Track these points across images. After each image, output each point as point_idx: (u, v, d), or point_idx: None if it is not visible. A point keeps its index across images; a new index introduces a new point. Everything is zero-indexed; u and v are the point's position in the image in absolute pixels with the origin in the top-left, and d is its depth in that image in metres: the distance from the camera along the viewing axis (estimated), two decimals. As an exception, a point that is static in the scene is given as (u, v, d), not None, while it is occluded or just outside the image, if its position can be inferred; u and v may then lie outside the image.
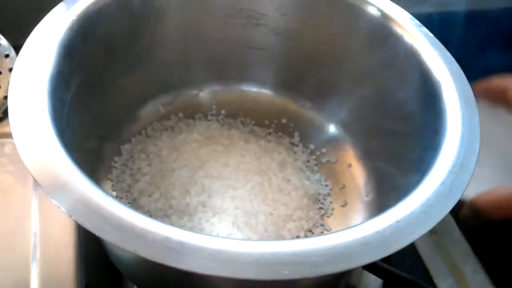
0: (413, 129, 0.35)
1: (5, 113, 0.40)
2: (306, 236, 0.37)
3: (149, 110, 0.43)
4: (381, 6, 0.37)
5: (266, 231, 0.36)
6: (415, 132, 0.34)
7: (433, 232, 0.42)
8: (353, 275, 0.38)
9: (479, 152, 0.29)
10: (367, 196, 0.39)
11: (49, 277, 0.33)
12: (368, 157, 0.41)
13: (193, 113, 0.44)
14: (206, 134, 0.42)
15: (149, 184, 0.38)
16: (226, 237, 0.33)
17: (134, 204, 0.37)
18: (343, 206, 0.40)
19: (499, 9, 0.51)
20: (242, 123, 0.44)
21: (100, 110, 0.37)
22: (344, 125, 0.43)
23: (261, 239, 0.36)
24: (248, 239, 0.36)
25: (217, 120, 0.44)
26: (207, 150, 0.40)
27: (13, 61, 0.42)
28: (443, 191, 0.27)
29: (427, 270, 0.40)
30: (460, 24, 0.48)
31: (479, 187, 0.35)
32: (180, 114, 0.44)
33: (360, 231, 0.24)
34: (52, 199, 0.24)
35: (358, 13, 0.38)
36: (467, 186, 0.27)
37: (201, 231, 0.36)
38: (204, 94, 0.45)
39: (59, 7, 0.34)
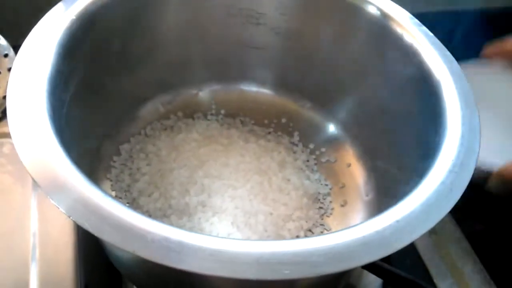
0: (413, 129, 0.35)
1: (4, 113, 0.40)
2: (306, 236, 0.37)
3: (148, 109, 0.43)
4: (380, 5, 0.37)
5: (266, 231, 0.36)
6: (415, 131, 0.34)
7: (433, 231, 0.42)
8: (353, 275, 0.38)
9: (479, 152, 0.29)
10: (366, 195, 0.39)
11: (48, 277, 0.33)
12: (368, 156, 0.41)
13: (193, 112, 0.44)
14: (205, 134, 0.42)
15: (149, 184, 0.38)
16: (225, 237, 0.33)
17: (133, 204, 0.37)
18: (342, 205, 0.40)
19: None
20: (242, 122, 0.44)
21: (99, 110, 0.37)
22: (343, 125, 0.43)
23: (260, 239, 0.36)
24: (248, 239, 0.35)
25: (217, 120, 0.44)
26: (206, 150, 0.40)
27: (12, 60, 0.42)
28: (443, 190, 0.27)
29: (427, 270, 0.40)
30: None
31: (505, 157, 0.34)
32: (180, 114, 0.44)
33: (360, 230, 0.24)
34: (51, 200, 0.24)
35: (357, 12, 0.38)
36: (467, 186, 0.27)
37: (200, 231, 0.35)
38: (204, 93, 0.45)
39: (58, 6, 0.34)
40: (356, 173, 0.41)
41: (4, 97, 0.41)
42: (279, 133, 0.44)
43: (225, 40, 0.43)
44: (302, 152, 0.43)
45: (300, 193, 0.39)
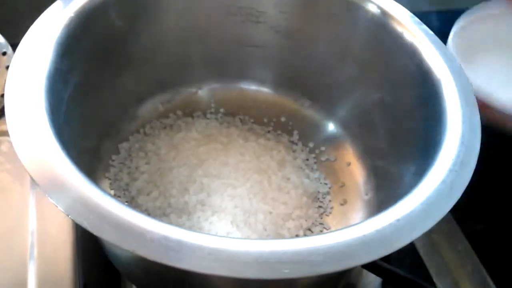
0: (413, 128, 0.35)
1: (2, 111, 0.40)
2: (305, 235, 0.37)
3: (147, 108, 0.43)
4: (381, 3, 0.37)
5: (265, 230, 0.36)
6: (415, 130, 0.34)
7: (432, 231, 0.42)
8: (352, 274, 0.38)
9: (479, 151, 0.29)
10: (366, 194, 0.39)
11: (47, 276, 0.33)
12: (368, 155, 0.41)
13: (192, 111, 0.44)
14: (205, 132, 0.42)
15: (148, 183, 0.38)
16: (225, 236, 0.33)
17: (132, 202, 0.37)
18: (342, 204, 0.40)
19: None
20: (241, 121, 0.44)
21: (98, 108, 0.37)
22: (343, 124, 0.43)
23: (260, 238, 0.36)
24: (247, 238, 0.35)
25: (216, 118, 0.44)
26: (206, 149, 0.40)
27: (10, 58, 0.42)
28: (444, 189, 0.26)
29: (426, 269, 0.40)
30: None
31: None
32: (179, 112, 0.44)
33: (360, 229, 0.24)
34: (49, 198, 0.24)
35: (357, 10, 0.38)
36: (467, 185, 0.27)
37: (200, 230, 0.35)
38: (203, 92, 0.45)
39: (57, 4, 0.33)
40: (355, 172, 0.41)
41: (2, 95, 0.41)
42: (279, 131, 0.44)
43: (224, 38, 0.43)
44: (302, 151, 0.43)
45: (299, 192, 0.39)
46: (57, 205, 0.24)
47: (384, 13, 0.37)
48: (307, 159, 0.42)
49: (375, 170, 0.40)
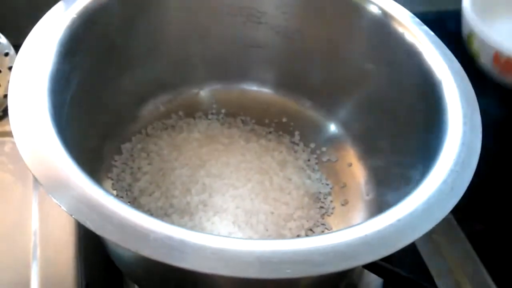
0: (414, 128, 0.35)
1: (5, 112, 0.40)
2: (307, 235, 0.37)
3: (149, 109, 0.43)
4: (382, 4, 0.37)
5: (267, 230, 0.36)
6: (416, 131, 0.34)
7: (433, 231, 0.42)
8: (353, 274, 0.38)
9: (480, 151, 0.29)
10: (367, 195, 0.39)
11: (49, 276, 0.33)
12: (369, 156, 0.41)
13: (194, 112, 0.44)
14: (206, 133, 0.42)
15: (150, 183, 0.38)
16: (228, 236, 0.33)
17: (134, 203, 0.37)
18: (343, 205, 0.40)
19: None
20: (243, 122, 0.44)
21: (100, 109, 0.37)
22: (344, 124, 0.43)
23: (262, 238, 0.36)
24: (249, 238, 0.35)
25: (218, 119, 0.44)
26: (207, 149, 0.40)
27: (13, 59, 0.42)
28: (445, 189, 0.27)
29: (427, 269, 0.40)
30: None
31: None
32: (181, 113, 0.44)
33: (362, 230, 0.24)
34: (53, 198, 0.24)
35: (358, 11, 0.38)
36: (468, 185, 0.27)
37: (202, 230, 0.35)
38: (205, 92, 0.45)
39: (59, 5, 0.34)
40: (357, 172, 0.41)
41: (5, 96, 0.41)
42: (280, 132, 0.44)
43: (225, 39, 0.43)
44: (303, 151, 0.43)
45: (301, 192, 0.39)
46: (60, 205, 0.24)
47: (385, 14, 0.37)
48: (309, 160, 0.42)
49: (376, 171, 0.40)
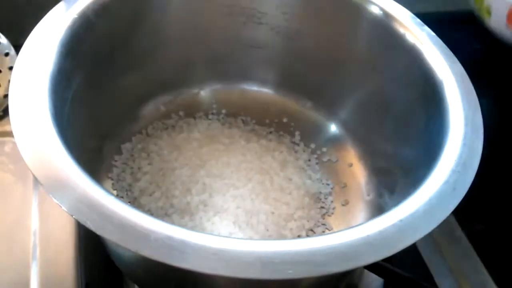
0: (415, 129, 0.35)
1: (6, 112, 0.40)
2: (307, 236, 0.37)
3: (149, 109, 0.43)
4: (383, 5, 0.37)
5: (267, 231, 0.36)
6: (417, 131, 0.34)
7: (434, 231, 0.42)
8: (354, 275, 0.38)
9: (481, 152, 0.29)
10: (368, 195, 0.39)
11: (49, 276, 0.33)
12: (369, 156, 0.41)
13: (194, 112, 0.44)
14: (207, 133, 0.42)
15: (150, 183, 0.38)
16: (228, 236, 0.33)
17: (134, 203, 0.37)
18: (344, 205, 0.40)
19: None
20: (243, 122, 0.44)
21: (101, 109, 0.37)
22: (345, 124, 0.43)
23: (262, 238, 0.36)
24: (250, 238, 0.35)
25: (218, 119, 0.44)
26: (208, 149, 0.40)
27: (13, 59, 0.42)
28: (447, 190, 0.26)
29: (427, 270, 0.40)
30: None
31: None
32: (181, 113, 0.44)
33: (364, 230, 0.24)
34: (53, 198, 0.24)
35: (359, 11, 0.38)
36: (470, 185, 0.27)
37: (202, 230, 0.35)
38: (205, 93, 0.45)
39: (60, 5, 0.34)
40: (357, 172, 0.41)
41: (6, 96, 0.41)
42: (281, 132, 0.44)
43: (226, 39, 0.43)
44: (304, 151, 0.43)
45: (301, 192, 0.39)
46: (61, 205, 0.24)
47: (386, 15, 0.37)
48: (309, 160, 0.42)
49: (377, 171, 0.40)
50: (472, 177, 0.27)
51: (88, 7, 0.34)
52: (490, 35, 0.46)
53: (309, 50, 0.42)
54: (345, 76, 0.41)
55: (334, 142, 0.43)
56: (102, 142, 0.39)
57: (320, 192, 0.40)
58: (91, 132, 0.36)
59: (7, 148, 0.39)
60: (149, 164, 0.39)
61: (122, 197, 0.38)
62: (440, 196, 0.26)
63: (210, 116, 0.44)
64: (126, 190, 0.38)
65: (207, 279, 0.27)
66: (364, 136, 0.41)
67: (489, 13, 0.42)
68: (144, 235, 0.23)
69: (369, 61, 0.39)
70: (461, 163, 0.28)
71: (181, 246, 0.23)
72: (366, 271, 0.35)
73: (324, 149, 0.43)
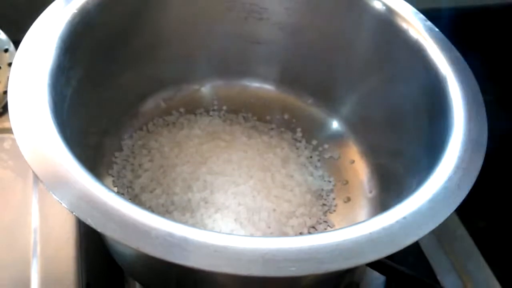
0: (418, 125, 0.34)
1: (5, 108, 0.39)
2: (309, 233, 0.37)
3: (150, 105, 0.42)
4: (386, 0, 0.37)
5: (269, 228, 0.36)
6: (420, 127, 0.34)
7: (436, 228, 0.42)
8: (356, 272, 0.38)
9: (486, 147, 0.28)
10: (370, 192, 0.39)
11: (50, 273, 0.33)
12: (371, 153, 0.41)
13: (195, 108, 0.44)
14: (208, 130, 0.42)
15: (151, 180, 0.38)
16: (230, 234, 0.33)
17: (135, 200, 0.37)
18: (346, 202, 0.40)
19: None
20: (244, 118, 0.44)
21: (101, 105, 0.37)
22: (347, 121, 0.43)
23: (264, 235, 0.35)
24: (251, 235, 0.35)
25: (219, 116, 0.44)
26: (209, 146, 0.40)
27: (12, 55, 0.41)
28: (451, 187, 0.26)
29: (430, 267, 0.40)
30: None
31: None
32: (182, 110, 0.43)
33: (367, 227, 0.24)
34: (53, 195, 0.24)
35: (362, 7, 0.38)
36: (474, 182, 0.27)
37: (203, 227, 0.35)
38: (206, 89, 0.45)
39: (59, 1, 0.33)
40: (359, 169, 0.41)
41: (5, 92, 0.40)
42: (282, 129, 0.44)
43: (227, 35, 0.43)
44: (305, 148, 0.42)
45: (303, 189, 0.39)
46: (61, 202, 0.23)
47: (389, 10, 0.37)
48: (311, 157, 0.42)
49: (379, 168, 0.40)
50: (477, 174, 0.27)
51: (88, 2, 0.33)
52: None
53: (311, 46, 0.42)
54: (347, 72, 0.41)
55: (336, 138, 0.43)
56: (102, 139, 0.39)
57: (322, 189, 0.40)
58: (91, 129, 0.36)
59: (6, 144, 0.39)
60: (150, 160, 0.39)
61: (122, 194, 0.37)
62: (444, 193, 0.26)
63: (211, 113, 0.44)
64: (127, 187, 0.38)
65: (209, 276, 0.27)
66: (366, 133, 0.41)
67: None
68: (145, 232, 0.23)
69: (372, 57, 0.39)
70: (466, 160, 0.27)
71: (182, 243, 0.22)
72: (368, 268, 0.35)
73: (326, 146, 0.43)
